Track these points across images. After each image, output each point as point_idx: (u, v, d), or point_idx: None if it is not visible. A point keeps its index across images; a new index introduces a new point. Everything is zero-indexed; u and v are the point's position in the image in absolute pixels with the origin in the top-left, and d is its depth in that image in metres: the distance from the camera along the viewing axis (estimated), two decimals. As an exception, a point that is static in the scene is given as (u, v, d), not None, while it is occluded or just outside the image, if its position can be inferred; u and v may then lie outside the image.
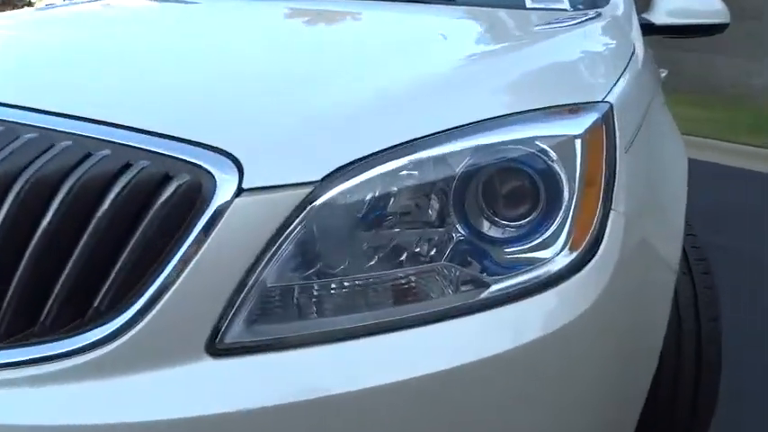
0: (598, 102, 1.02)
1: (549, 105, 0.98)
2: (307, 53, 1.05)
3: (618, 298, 0.93)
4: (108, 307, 0.78)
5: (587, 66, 1.21)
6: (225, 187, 0.79)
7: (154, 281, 0.77)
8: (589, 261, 0.91)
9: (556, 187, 0.91)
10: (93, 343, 0.77)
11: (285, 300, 0.82)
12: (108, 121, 0.84)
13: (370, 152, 0.84)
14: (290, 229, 0.80)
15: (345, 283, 0.84)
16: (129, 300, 0.78)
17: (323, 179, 0.82)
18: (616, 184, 0.96)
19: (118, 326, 0.77)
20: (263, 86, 0.94)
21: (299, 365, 0.80)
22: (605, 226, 0.93)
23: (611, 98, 1.04)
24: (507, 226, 0.91)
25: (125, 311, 0.77)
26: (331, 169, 0.82)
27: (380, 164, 0.84)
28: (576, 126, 0.96)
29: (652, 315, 1.06)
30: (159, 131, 0.82)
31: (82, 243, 0.78)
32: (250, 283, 0.79)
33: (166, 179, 0.80)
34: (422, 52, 1.14)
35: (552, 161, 0.91)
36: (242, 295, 0.79)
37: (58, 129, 0.83)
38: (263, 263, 0.79)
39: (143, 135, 0.82)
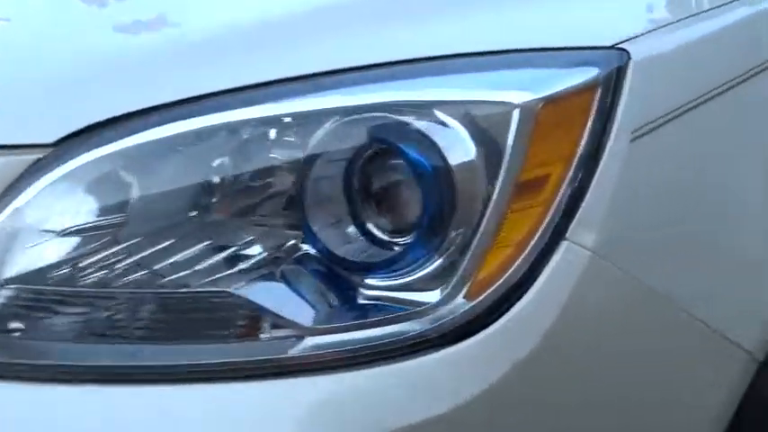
0: (601, 48, 0.59)
1: (498, 49, 0.59)
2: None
3: (553, 387, 0.55)
4: None
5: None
6: None
7: None
8: (497, 319, 0.53)
9: (451, 189, 0.54)
10: None
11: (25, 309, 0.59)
12: None
13: (134, 109, 0.55)
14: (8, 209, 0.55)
15: (89, 299, 0.57)
16: None
17: (57, 142, 0.55)
18: (589, 194, 0.55)
19: None
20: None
21: None
22: (543, 264, 0.54)
23: (633, 45, 0.60)
24: (377, 242, 0.56)
25: None
26: (72, 129, 0.55)
27: (153, 127, 0.55)
28: (531, 87, 0.55)
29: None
30: None
31: None
32: None
33: None
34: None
35: (454, 145, 0.54)
36: None
37: None
38: None
39: None
